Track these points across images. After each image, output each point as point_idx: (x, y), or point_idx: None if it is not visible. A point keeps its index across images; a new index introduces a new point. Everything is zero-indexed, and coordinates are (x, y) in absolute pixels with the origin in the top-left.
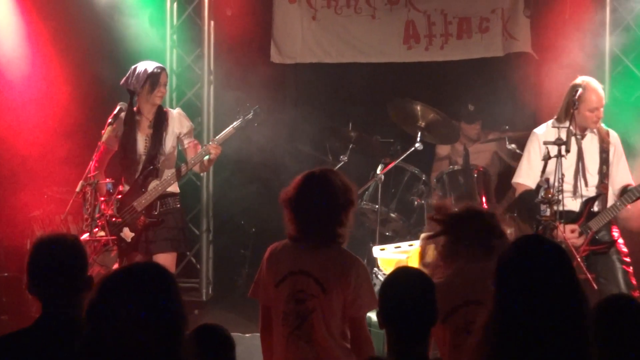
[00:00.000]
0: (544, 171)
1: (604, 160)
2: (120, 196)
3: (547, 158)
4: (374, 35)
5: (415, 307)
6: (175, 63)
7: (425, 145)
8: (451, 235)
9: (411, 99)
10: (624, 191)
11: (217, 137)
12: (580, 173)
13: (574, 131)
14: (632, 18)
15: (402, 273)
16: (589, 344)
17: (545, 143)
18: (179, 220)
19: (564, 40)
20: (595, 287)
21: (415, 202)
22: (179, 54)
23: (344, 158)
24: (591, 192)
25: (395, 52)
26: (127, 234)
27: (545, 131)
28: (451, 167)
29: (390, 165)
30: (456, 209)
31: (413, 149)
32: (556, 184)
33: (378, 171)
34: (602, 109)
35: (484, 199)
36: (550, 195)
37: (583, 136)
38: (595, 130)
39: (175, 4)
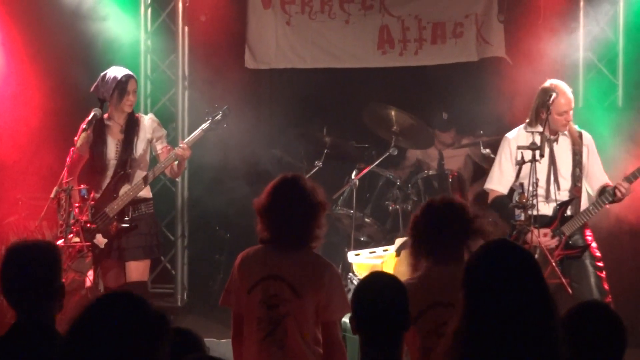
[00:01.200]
0: (518, 176)
1: (577, 163)
2: (93, 202)
3: (521, 163)
4: (348, 41)
5: (387, 312)
6: (150, 68)
7: (400, 150)
8: (419, 234)
9: (386, 104)
10: (602, 192)
11: (186, 140)
12: (553, 177)
13: (547, 135)
14: (605, 23)
15: (374, 278)
16: (558, 350)
17: (520, 148)
18: (152, 226)
19: (538, 45)
20: (570, 291)
21: (390, 207)
22: (153, 60)
23: (318, 163)
24: (564, 196)
25: (370, 58)
26: (100, 240)
27: (516, 135)
28: (426, 172)
29: (365, 171)
30: (429, 204)
31: (387, 154)
32: (530, 188)
33: (353, 176)
34: (571, 112)
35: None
36: (524, 200)
37: (555, 139)
38: (566, 132)
39: (149, 10)
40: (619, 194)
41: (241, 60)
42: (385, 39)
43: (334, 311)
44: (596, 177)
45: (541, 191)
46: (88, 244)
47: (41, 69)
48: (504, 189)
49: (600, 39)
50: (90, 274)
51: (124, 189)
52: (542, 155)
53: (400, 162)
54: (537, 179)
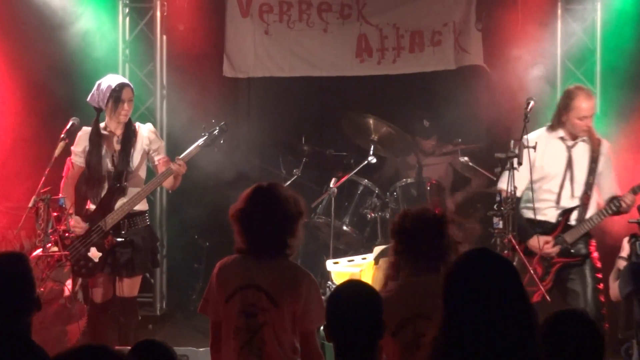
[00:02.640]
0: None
1: (592, 170)
2: (71, 212)
3: (500, 171)
4: (327, 49)
5: (360, 321)
6: (128, 78)
7: (379, 159)
8: (399, 244)
9: (364, 113)
10: (609, 202)
11: (182, 155)
12: (569, 182)
13: (526, 144)
14: (583, 30)
15: (347, 287)
16: (538, 358)
17: (497, 157)
18: (147, 240)
19: (516, 53)
20: (549, 299)
21: (369, 216)
22: (131, 69)
23: (297, 172)
24: (575, 202)
25: (348, 66)
26: (95, 254)
27: (536, 137)
28: (404, 180)
29: (344, 179)
30: (405, 215)
31: (366, 162)
32: (509, 196)
33: (331, 185)
34: (591, 117)
35: (437, 212)
36: (502, 208)
37: (574, 144)
38: (586, 138)
39: (127, 19)
40: (624, 204)
41: (220, 69)
42: (364, 48)
43: (312, 320)
44: (607, 186)
45: (552, 196)
46: (66, 253)
47: (19, 78)
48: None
49: (578, 47)
50: (69, 283)
51: (120, 202)
52: (520, 164)
53: (378, 170)
54: (515, 187)
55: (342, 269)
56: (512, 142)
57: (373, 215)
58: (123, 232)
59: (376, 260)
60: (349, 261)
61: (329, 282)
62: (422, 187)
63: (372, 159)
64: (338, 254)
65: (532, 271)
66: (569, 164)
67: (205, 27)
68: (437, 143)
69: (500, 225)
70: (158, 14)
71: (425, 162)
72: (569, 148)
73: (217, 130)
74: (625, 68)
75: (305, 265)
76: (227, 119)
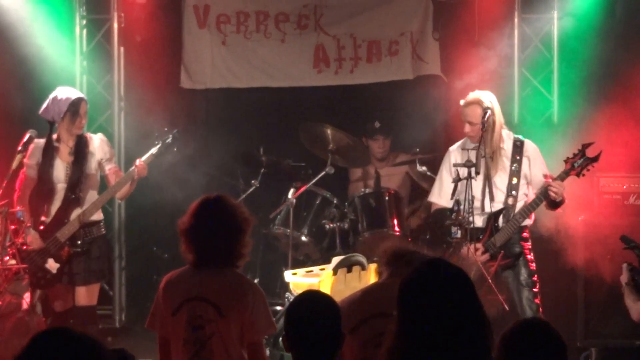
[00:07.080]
0: (454, 193)
1: (514, 173)
2: (29, 224)
3: (457, 180)
4: (284, 60)
5: (319, 331)
6: (86, 89)
7: (337, 169)
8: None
9: (321, 123)
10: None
11: (143, 158)
12: (488, 189)
13: (483, 152)
14: (539, 40)
15: (306, 297)
16: None
17: (455, 165)
18: (103, 248)
19: (473, 62)
20: (507, 308)
21: (327, 226)
22: (89, 80)
23: (255, 183)
24: (498, 207)
25: (306, 76)
26: (52, 265)
27: (457, 148)
28: (362, 190)
29: (302, 190)
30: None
31: (324, 172)
32: (466, 205)
33: (290, 195)
34: (477, 125)
35: (395, 222)
36: (460, 217)
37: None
38: (503, 146)
39: (84, 30)
40: (552, 194)
41: (177, 80)
42: (321, 58)
43: (259, 331)
44: (538, 184)
45: (477, 203)
46: (24, 266)
47: None
48: (445, 202)
49: (536, 56)
50: (27, 296)
51: (75, 213)
52: (477, 173)
53: (337, 180)
54: (473, 196)
55: (300, 280)
56: (469, 151)
57: (331, 225)
58: (79, 242)
59: (334, 270)
60: (308, 272)
61: (288, 293)
62: (380, 197)
63: (330, 169)
64: (297, 264)
65: (490, 280)
66: (487, 171)
67: (163, 38)
68: (391, 150)
69: (459, 235)
70: (115, 25)
71: (383, 172)
72: (487, 158)
73: (170, 139)
74: (582, 76)
75: (263, 276)
76: (185, 131)
